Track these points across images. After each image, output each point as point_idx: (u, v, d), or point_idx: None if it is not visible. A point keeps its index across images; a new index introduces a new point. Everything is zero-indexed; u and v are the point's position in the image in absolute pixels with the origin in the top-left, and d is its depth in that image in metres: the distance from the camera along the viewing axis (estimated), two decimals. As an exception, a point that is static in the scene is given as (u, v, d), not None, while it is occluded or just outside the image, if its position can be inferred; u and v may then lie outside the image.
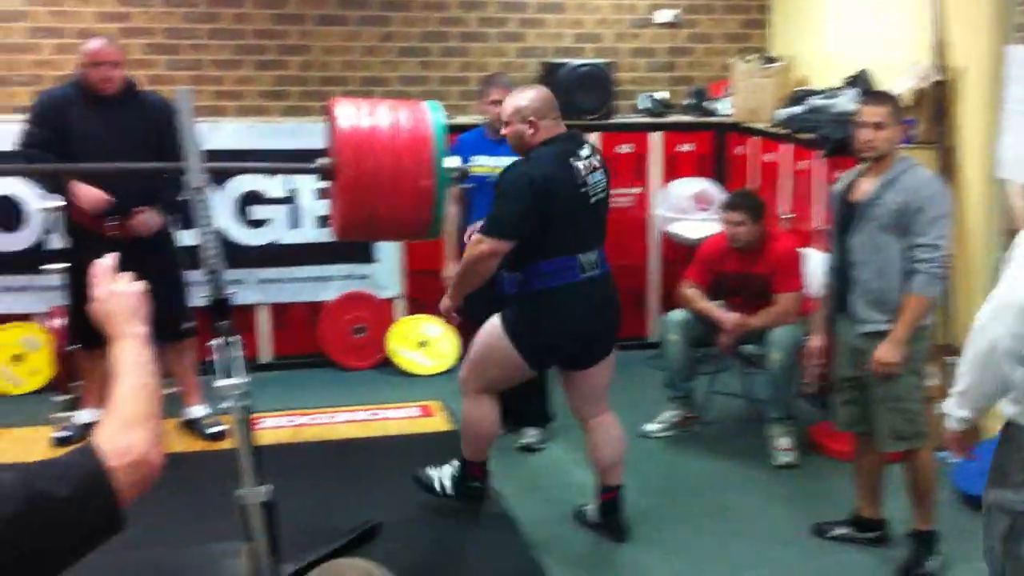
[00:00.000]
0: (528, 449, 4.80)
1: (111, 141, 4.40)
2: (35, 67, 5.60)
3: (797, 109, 5.47)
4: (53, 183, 4.72)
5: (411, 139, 3.03)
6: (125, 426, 1.81)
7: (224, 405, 3.15)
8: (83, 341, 4.77)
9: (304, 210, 5.77)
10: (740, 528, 4.15)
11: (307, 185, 5.70)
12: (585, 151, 3.83)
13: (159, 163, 3.56)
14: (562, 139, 3.85)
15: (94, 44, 4.52)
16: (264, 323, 5.89)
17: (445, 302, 4.01)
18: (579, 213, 3.75)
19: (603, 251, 3.90)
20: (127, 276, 2.04)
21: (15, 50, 5.59)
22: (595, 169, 3.83)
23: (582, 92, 5.95)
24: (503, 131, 3.87)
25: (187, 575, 3.72)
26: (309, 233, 5.81)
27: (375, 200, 3.03)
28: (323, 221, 5.79)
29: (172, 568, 3.68)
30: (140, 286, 2.03)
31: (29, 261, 5.31)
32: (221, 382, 3.09)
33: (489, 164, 4.66)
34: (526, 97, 3.84)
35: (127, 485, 1.76)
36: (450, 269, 4.91)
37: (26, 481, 1.71)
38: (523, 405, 4.90)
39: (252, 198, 5.66)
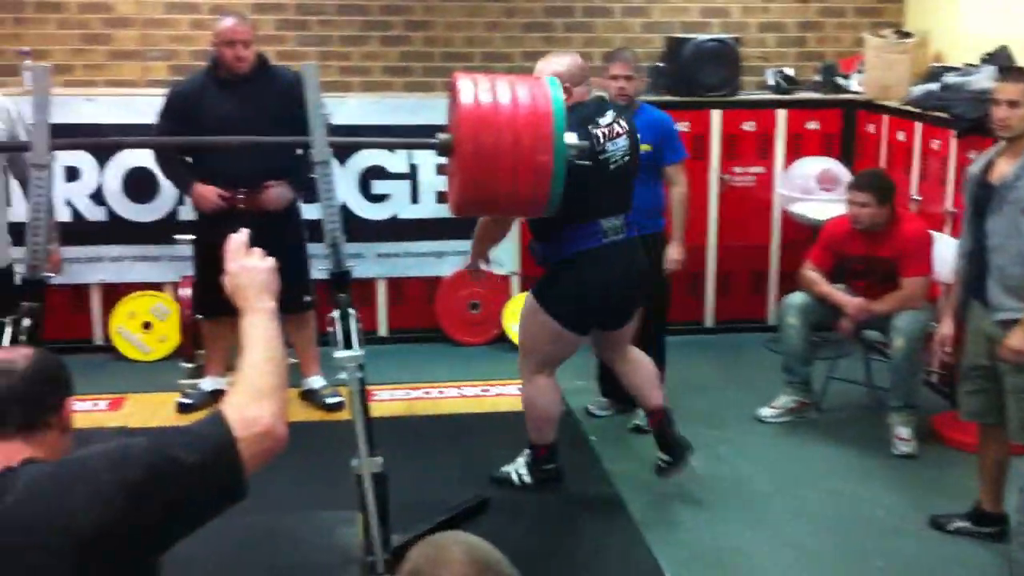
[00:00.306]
0: (639, 430, 4.76)
1: (243, 118, 4.46)
2: (172, 42, 5.77)
3: (931, 86, 5.28)
4: (180, 182, 4.86)
5: (531, 115, 3.02)
6: (253, 398, 1.86)
7: (342, 376, 3.22)
8: (206, 311, 4.92)
9: (424, 185, 5.82)
10: (856, 518, 4.05)
11: (428, 161, 5.74)
12: (606, 118, 3.87)
13: (284, 137, 3.61)
14: (585, 105, 3.89)
15: (226, 23, 4.58)
16: (382, 297, 5.97)
17: (467, 263, 4.21)
18: (598, 179, 3.77)
19: (629, 216, 3.96)
20: (258, 251, 2.08)
21: (152, 25, 5.77)
22: (618, 135, 3.87)
23: (707, 68, 5.84)
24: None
25: (301, 541, 3.80)
26: (428, 208, 5.86)
27: (493, 176, 3.03)
28: (442, 197, 5.83)
29: (286, 533, 3.77)
30: (271, 262, 2.07)
31: (162, 231, 5.49)
32: (339, 354, 3.15)
33: (608, 142, 4.63)
34: (563, 63, 3.89)
35: (252, 455, 1.81)
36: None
37: (157, 448, 1.78)
38: None
39: (374, 173, 5.73)
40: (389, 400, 5.09)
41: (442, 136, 3.25)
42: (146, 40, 5.77)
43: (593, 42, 6.09)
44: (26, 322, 3.05)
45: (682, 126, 5.44)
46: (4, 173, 4.26)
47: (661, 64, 5.95)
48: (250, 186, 4.62)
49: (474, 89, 3.08)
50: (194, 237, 4.91)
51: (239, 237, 2.12)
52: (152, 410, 4.95)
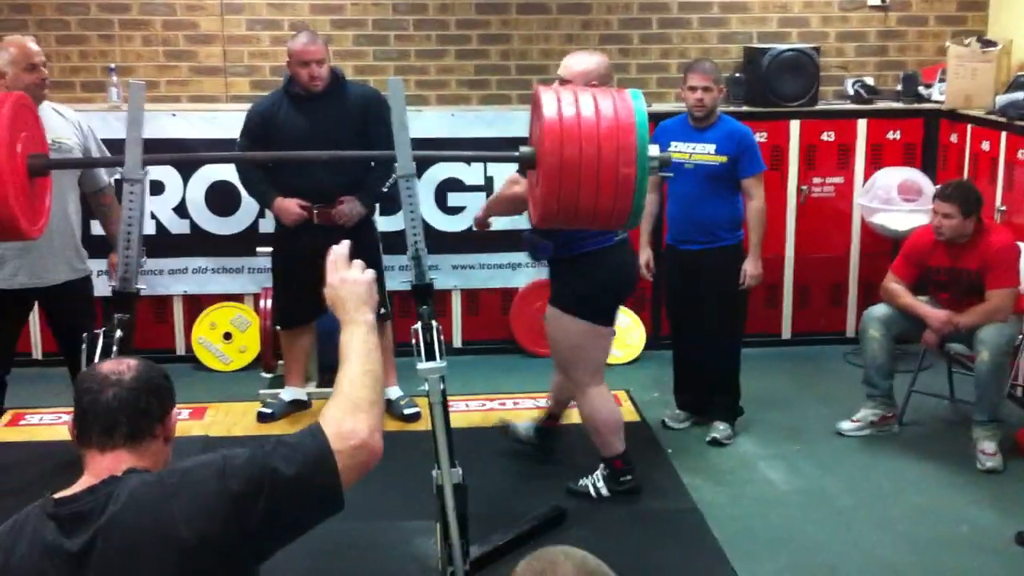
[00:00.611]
0: (717, 443, 4.72)
1: (316, 134, 4.53)
2: (253, 58, 5.88)
3: (1016, 95, 5.19)
4: (262, 197, 4.91)
5: (614, 127, 3.01)
6: (350, 411, 1.88)
7: (423, 388, 3.24)
8: (284, 322, 5.00)
9: (500, 197, 5.84)
10: (941, 534, 3.98)
11: (503, 173, 5.74)
12: None
13: (370, 152, 3.66)
14: None
15: (298, 43, 4.61)
16: (457, 308, 6.00)
17: (477, 214, 4.31)
18: None
19: None
20: (359, 264, 2.11)
21: (235, 42, 5.88)
22: None
23: (786, 78, 5.79)
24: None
25: (379, 551, 3.83)
26: (503, 220, 5.84)
27: (576, 189, 3.03)
28: (518, 208, 5.85)
29: (365, 543, 3.80)
30: (371, 275, 2.09)
31: (243, 244, 5.59)
32: (422, 365, 3.17)
33: (686, 151, 4.62)
34: (594, 61, 3.97)
35: (349, 468, 1.84)
36: (643, 256, 4.89)
37: (258, 460, 1.81)
38: (714, 398, 4.84)
39: (450, 185, 5.76)
40: (465, 411, 5.11)
41: (524, 149, 3.27)
42: (228, 56, 5.88)
43: (669, 53, 6.08)
44: (118, 333, 3.13)
45: (760, 137, 5.40)
46: (78, 187, 4.37)
47: (739, 74, 5.92)
48: (325, 201, 4.69)
49: (557, 102, 3.08)
50: (272, 250, 4.99)
51: (340, 250, 2.14)
52: (233, 420, 5.03)
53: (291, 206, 4.68)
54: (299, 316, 4.93)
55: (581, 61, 3.99)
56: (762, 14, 6.14)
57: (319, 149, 4.38)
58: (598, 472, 4.24)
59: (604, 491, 4.21)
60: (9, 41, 4.17)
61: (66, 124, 4.21)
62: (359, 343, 2.01)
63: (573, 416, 5.09)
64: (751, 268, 4.68)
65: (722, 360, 4.79)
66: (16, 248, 4.03)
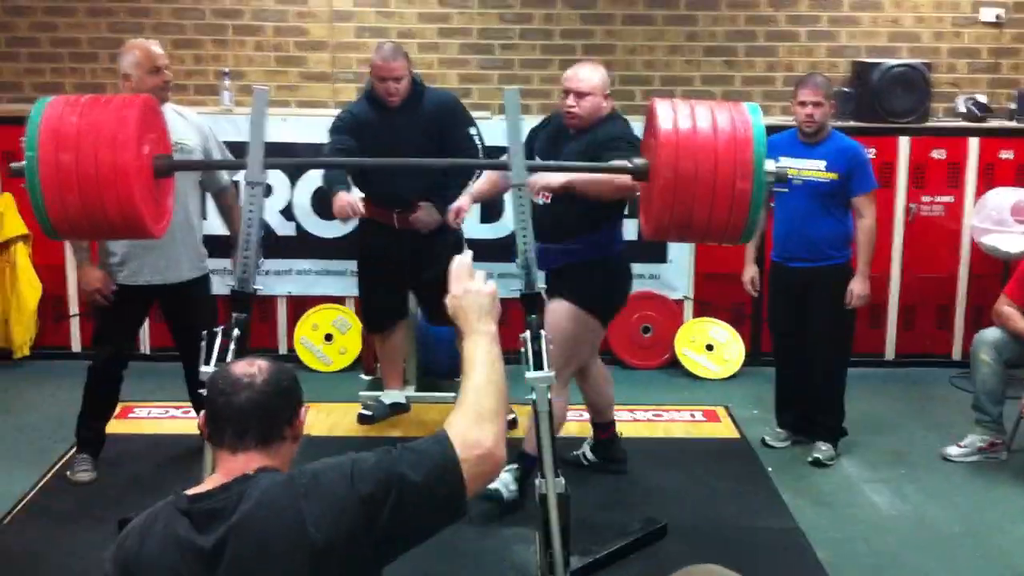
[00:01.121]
0: (819, 464, 4.64)
1: (398, 143, 4.50)
2: (361, 65, 5.96)
3: None
4: (329, 187, 4.71)
5: (731, 141, 2.99)
6: (475, 421, 1.90)
7: (529, 396, 3.25)
8: (370, 326, 5.04)
9: (600, 208, 5.83)
10: (1054, 567, 3.86)
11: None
12: None
13: (481, 160, 3.67)
14: (614, 117, 4.18)
15: (380, 58, 4.57)
16: (555, 317, 5.99)
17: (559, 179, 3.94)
18: None
19: None
20: (481, 275, 2.12)
21: (343, 48, 5.98)
22: None
23: (895, 94, 5.70)
24: (572, 105, 4.08)
25: (479, 557, 3.84)
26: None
27: (691, 202, 3.01)
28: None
29: (465, 549, 3.81)
30: (493, 286, 2.10)
31: (346, 247, 5.67)
32: (531, 374, 3.18)
33: (796, 167, 4.54)
34: (601, 73, 4.14)
35: (473, 476, 1.85)
36: (748, 272, 4.83)
37: (385, 464, 1.83)
38: (817, 418, 4.76)
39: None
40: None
41: (638, 161, 3.26)
42: (336, 63, 5.98)
43: (775, 66, 6.01)
44: (236, 332, 3.20)
45: (868, 153, 5.29)
46: (198, 187, 4.47)
47: (847, 89, 5.82)
48: (404, 207, 4.70)
49: (673, 114, 3.07)
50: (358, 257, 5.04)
51: (464, 260, 2.16)
52: (334, 420, 5.10)
53: (341, 201, 4.53)
54: (385, 320, 4.98)
55: (589, 73, 4.11)
56: (872, 28, 6.04)
57: (399, 155, 4.34)
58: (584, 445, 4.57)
59: (592, 457, 4.59)
60: (133, 44, 4.28)
61: (188, 126, 4.31)
62: (483, 354, 2.02)
63: (674, 430, 5.09)
64: (858, 288, 4.59)
65: (827, 380, 4.71)
66: (139, 246, 4.14)
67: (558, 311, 4.03)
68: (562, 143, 4.16)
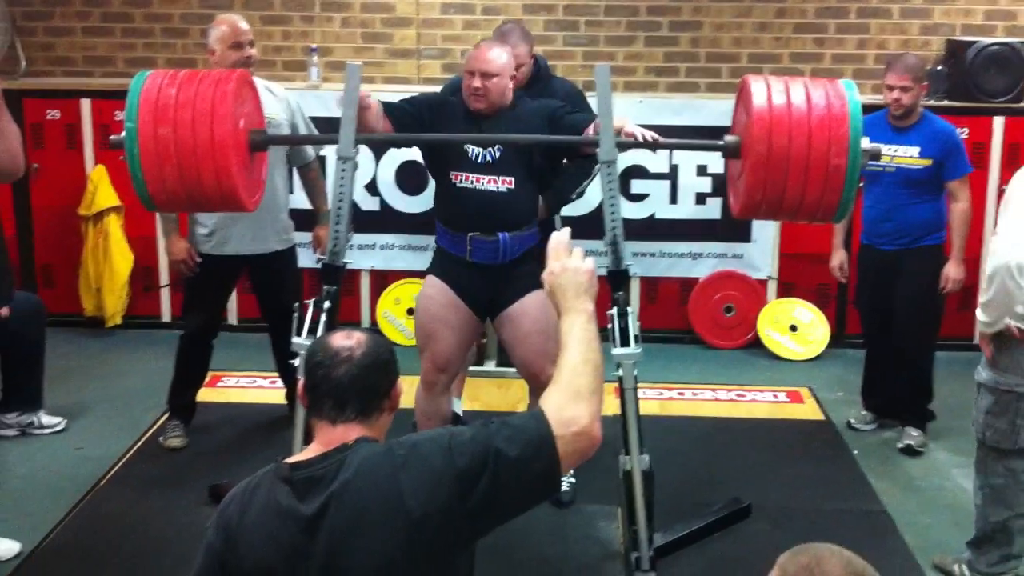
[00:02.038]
0: (911, 451, 4.56)
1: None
2: (446, 41, 6.00)
3: None
4: None
5: (826, 117, 2.96)
6: (571, 398, 1.90)
7: (616, 373, 3.25)
8: None
9: (684, 186, 5.80)
10: None
11: (689, 161, 5.72)
12: None
13: (573, 137, 3.61)
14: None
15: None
16: (635, 296, 5.98)
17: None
18: None
19: None
20: (579, 251, 2.11)
21: (429, 25, 6.00)
22: None
23: (990, 73, 5.55)
24: (480, 83, 3.64)
25: (563, 532, 3.86)
26: (686, 209, 5.84)
27: (783, 179, 2.99)
28: (700, 198, 5.80)
29: (549, 525, 3.82)
30: (591, 263, 2.10)
31: (428, 222, 5.64)
32: (617, 351, 3.19)
33: (888, 152, 4.42)
34: (508, 54, 3.74)
35: (568, 454, 1.86)
36: (837, 257, 4.75)
37: (481, 439, 1.85)
38: (906, 402, 4.68)
39: (635, 172, 5.74)
40: (643, 398, 5.06)
41: (729, 138, 3.24)
42: (422, 39, 6.01)
43: (867, 44, 5.90)
44: (326, 304, 3.25)
45: (961, 133, 5.14)
46: (286, 161, 4.53)
47: (940, 67, 5.69)
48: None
49: (767, 90, 3.04)
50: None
51: (562, 237, 2.15)
52: (415, 392, 5.13)
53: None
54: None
55: (502, 54, 3.70)
56: (967, 6, 5.90)
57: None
58: None
59: None
60: (221, 19, 4.33)
61: (276, 101, 4.37)
62: (580, 331, 2.01)
63: (756, 411, 5.05)
64: (954, 272, 4.48)
65: (916, 363, 4.63)
66: (228, 217, 4.21)
67: (537, 300, 3.73)
68: (476, 123, 3.75)
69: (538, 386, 3.78)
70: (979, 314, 3.34)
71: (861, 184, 4.53)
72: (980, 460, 3.49)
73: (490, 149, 3.67)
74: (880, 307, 4.67)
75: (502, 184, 3.68)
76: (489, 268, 3.73)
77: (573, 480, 4.02)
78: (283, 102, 4.42)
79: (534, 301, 3.72)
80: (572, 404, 1.90)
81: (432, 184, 5.11)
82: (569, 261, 2.10)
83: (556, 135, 3.67)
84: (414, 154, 5.57)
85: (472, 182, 3.68)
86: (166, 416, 4.64)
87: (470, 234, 3.70)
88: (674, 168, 5.78)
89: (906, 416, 4.67)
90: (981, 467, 3.48)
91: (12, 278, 3.62)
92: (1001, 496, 3.42)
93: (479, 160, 3.67)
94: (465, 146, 3.61)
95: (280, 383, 4.79)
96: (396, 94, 5.62)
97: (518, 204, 3.72)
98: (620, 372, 3.24)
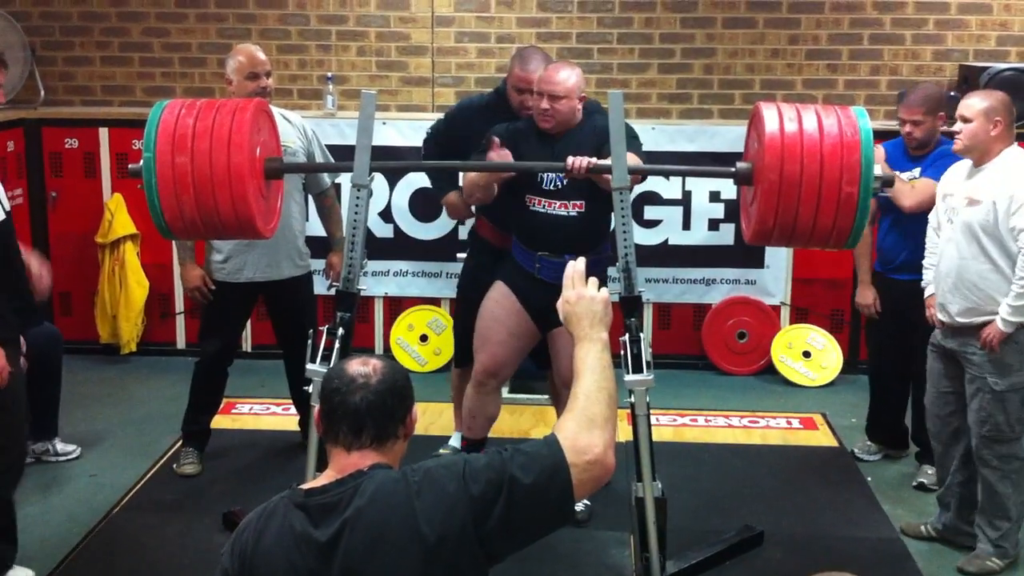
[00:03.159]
0: (924, 488, 4.43)
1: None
2: (460, 69, 6.03)
3: None
4: (439, 187, 4.58)
5: (838, 144, 2.97)
6: (585, 426, 1.91)
7: (628, 400, 3.25)
8: (464, 360, 4.41)
9: (697, 212, 5.81)
10: None
11: (701, 187, 5.73)
12: None
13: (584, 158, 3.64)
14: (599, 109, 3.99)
15: (520, 69, 4.11)
16: (648, 321, 5.99)
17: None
18: None
19: None
20: (595, 281, 2.13)
21: (444, 53, 6.04)
22: None
23: (1003, 99, 5.55)
24: (548, 105, 3.75)
25: (575, 558, 3.85)
26: (699, 235, 5.85)
27: (795, 206, 3.00)
28: (714, 224, 5.81)
29: (562, 550, 3.82)
30: (606, 293, 2.11)
31: (442, 249, 5.75)
32: (630, 377, 3.19)
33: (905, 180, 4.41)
34: (579, 73, 3.84)
35: (581, 482, 1.86)
36: (867, 296, 4.66)
37: (496, 465, 1.86)
38: (922, 438, 4.58)
39: (647, 198, 5.76)
40: (656, 424, 5.06)
41: (741, 165, 3.25)
42: (437, 67, 6.05)
43: (880, 70, 5.91)
44: (340, 331, 3.27)
45: (975, 158, 5.18)
46: (301, 189, 4.57)
47: (953, 93, 5.69)
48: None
49: (779, 116, 3.06)
50: (461, 279, 4.65)
51: (578, 265, 2.16)
52: (429, 419, 5.14)
53: (456, 200, 4.34)
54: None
55: (568, 73, 3.79)
56: (980, 31, 5.90)
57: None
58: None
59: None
60: (239, 49, 4.39)
61: (292, 129, 4.41)
62: (594, 360, 2.02)
63: (770, 437, 5.03)
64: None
65: None
66: (242, 244, 4.25)
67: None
68: (549, 142, 3.86)
69: None
70: (1007, 312, 3.58)
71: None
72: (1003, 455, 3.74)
73: (558, 175, 3.77)
74: (892, 339, 4.60)
75: (572, 209, 3.83)
76: (554, 285, 3.74)
77: (588, 502, 4.02)
78: (299, 130, 4.46)
79: None
80: (586, 432, 1.90)
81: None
82: (585, 290, 2.12)
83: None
84: (428, 181, 5.60)
85: (544, 206, 3.85)
86: (180, 443, 4.66)
87: (539, 253, 3.86)
88: (687, 194, 5.80)
89: (923, 455, 4.56)
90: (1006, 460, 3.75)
91: (33, 303, 3.66)
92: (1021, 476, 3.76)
93: (550, 186, 3.82)
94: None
95: (293, 410, 4.81)
96: (410, 122, 5.75)
97: (588, 228, 3.87)
98: (632, 399, 3.24)
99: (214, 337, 4.54)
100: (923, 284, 4.08)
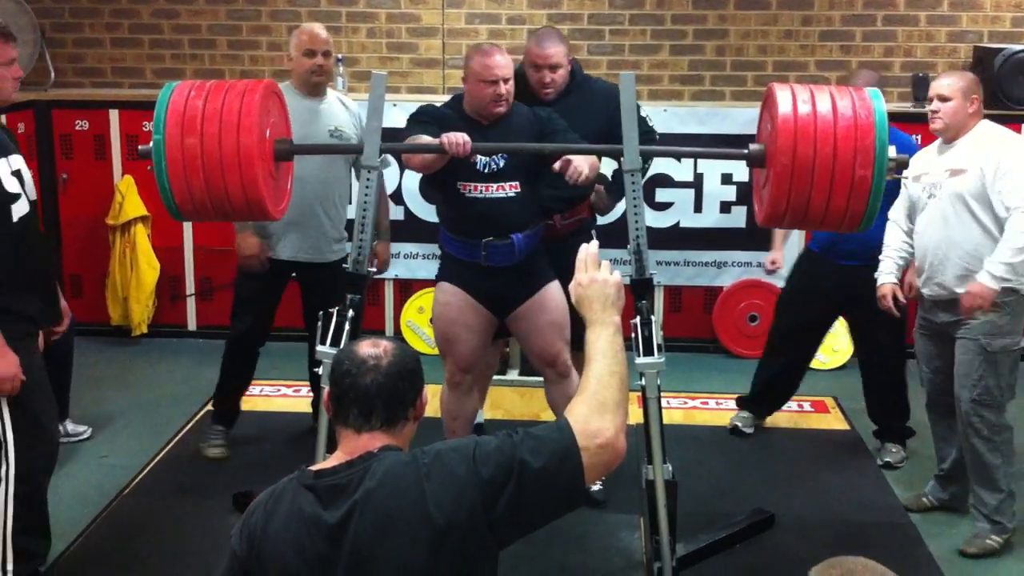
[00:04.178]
0: (890, 467, 4.51)
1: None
2: (471, 51, 6.00)
3: None
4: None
5: (852, 127, 2.94)
6: (597, 410, 1.90)
7: (638, 383, 3.24)
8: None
9: (708, 195, 5.79)
10: None
11: (713, 170, 5.71)
12: None
13: (597, 146, 3.63)
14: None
15: (537, 47, 4.17)
16: (659, 304, 5.97)
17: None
18: None
19: None
20: (607, 264, 2.11)
21: (455, 34, 6.02)
22: None
23: (1018, 80, 5.51)
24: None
25: (585, 541, 3.86)
26: (711, 218, 5.83)
27: (808, 189, 2.97)
28: (726, 207, 5.79)
29: (572, 533, 3.82)
30: (618, 276, 2.09)
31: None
32: (640, 360, 3.18)
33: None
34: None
35: (592, 466, 1.86)
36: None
37: (507, 449, 1.85)
38: (883, 420, 4.66)
39: (659, 181, 5.73)
40: (666, 407, 5.05)
41: (753, 147, 3.22)
42: (447, 49, 6.03)
43: (894, 51, 5.87)
44: (350, 313, 3.26)
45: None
46: (350, 173, 4.54)
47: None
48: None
49: (792, 99, 3.03)
50: None
51: (591, 248, 2.14)
52: (439, 401, 5.12)
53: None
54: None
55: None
56: (995, 12, 5.85)
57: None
58: None
59: None
60: (303, 27, 4.39)
61: (347, 114, 4.40)
62: (606, 344, 2.01)
63: (780, 421, 5.02)
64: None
65: (889, 380, 4.60)
66: (285, 223, 4.03)
67: (556, 297, 3.89)
68: (479, 128, 3.77)
69: (554, 375, 3.96)
70: (1003, 271, 3.64)
71: None
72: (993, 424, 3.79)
73: (494, 157, 3.74)
74: (819, 323, 4.74)
75: (510, 190, 3.78)
76: (502, 269, 3.82)
77: (601, 484, 4.03)
78: (355, 116, 4.43)
79: (548, 295, 3.89)
80: (597, 416, 1.89)
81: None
82: (597, 273, 2.09)
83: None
84: (438, 163, 5.59)
85: (481, 191, 3.77)
86: (209, 419, 4.64)
87: (484, 240, 3.78)
88: (699, 177, 5.77)
89: (885, 434, 4.66)
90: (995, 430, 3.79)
91: (54, 304, 3.63)
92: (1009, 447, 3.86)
93: (486, 169, 3.76)
94: (473, 157, 3.61)
95: (304, 392, 4.81)
96: (421, 104, 5.70)
97: (527, 206, 3.83)
98: (643, 382, 3.22)
99: (247, 315, 4.48)
100: (876, 274, 4.10)
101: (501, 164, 3.75)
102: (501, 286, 3.85)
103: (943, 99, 3.82)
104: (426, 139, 3.57)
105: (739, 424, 4.88)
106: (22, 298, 3.29)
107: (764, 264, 5.22)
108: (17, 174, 3.28)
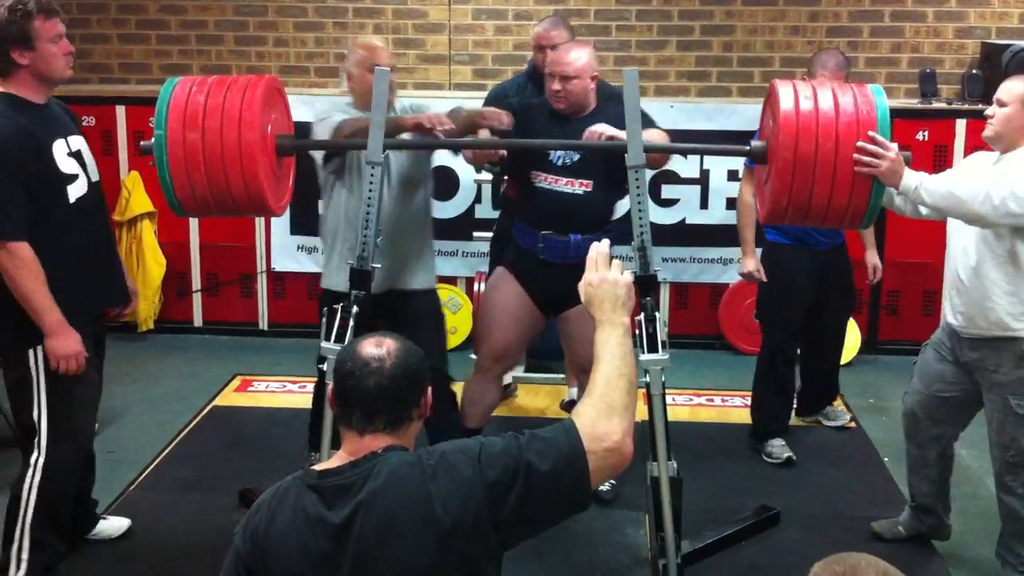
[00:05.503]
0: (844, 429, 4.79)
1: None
2: (477, 47, 6.00)
3: None
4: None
5: (853, 123, 2.93)
6: (605, 413, 1.88)
7: (643, 380, 3.23)
8: None
9: (714, 191, 5.77)
10: None
11: (719, 166, 5.70)
12: None
13: (599, 143, 3.61)
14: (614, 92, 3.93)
15: (553, 54, 4.00)
16: (665, 301, 5.96)
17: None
18: None
19: None
20: (618, 263, 2.09)
21: (461, 30, 6.01)
22: None
23: (1026, 77, 5.48)
24: (560, 86, 3.76)
25: (591, 537, 3.86)
26: (717, 214, 5.81)
27: (809, 185, 2.97)
28: (732, 203, 5.76)
29: (577, 529, 3.81)
30: (629, 277, 2.08)
31: (460, 228, 5.72)
32: (645, 357, 3.17)
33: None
34: (591, 52, 3.85)
35: (598, 468, 1.84)
36: (747, 264, 4.53)
37: (512, 451, 1.84)
38: (825, 393, 4.89)
39: (665, 177, 5.72)
40: (672, 404, 5.03)
41: (756, 143, 3.22)
42: (454, 45, 6.02)
43: (901, 47, 5.84)
44: (355, 309, 3.27)
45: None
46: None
47: (975, 71, 5.63)
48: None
49: (794, 95, 3.02)
50: (493, 235, 4.88)
51: (601, 247, 2.12)
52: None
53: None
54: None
55: (581, 53, 3.80)
56: (1002, 8, 5.82)
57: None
58: None
59: None
60: (360, 43, 4.05)
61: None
62: (615, 345, 1.98)
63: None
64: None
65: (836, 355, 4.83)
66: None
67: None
68: (562, 123, 3.82)
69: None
70: (917, 181, 3.09)
71: None
72: None
73: (569, 152, 3.76)
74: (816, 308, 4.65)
75: (579, 187, 3.81)
76: (559, 266, 3.81)
77: (614, 480, 4.02)
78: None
79: None
80: (605, 419, 1.88)
81: (464, 189, 5.13)
82: (608, 273, 2.06)
83: None
84: (445, 159, 5.59)
85: (551, 183, 3.81)
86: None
87: (543, 232, 3.81)
88: (705, 173, 5.76)
89: (821, 404, 4.88)
90: None
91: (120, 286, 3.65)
92: None
93: (559, 162, 3.80)
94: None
95: (309, 388, 4.80)
96: (427, 99, 5.70)
97: (593, 207, 3.84)
98: (647, 378, 3.22)
99: None
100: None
101: (575, 158, 3.78)
102: (556, 282, 3.78)
103: (1000, 104, 3.29)
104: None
105: (774, 452, 4.55)
106: (77, 281, 3.28)
107: (751, 275, 4.55)
108: (77, 155, 3.29)
